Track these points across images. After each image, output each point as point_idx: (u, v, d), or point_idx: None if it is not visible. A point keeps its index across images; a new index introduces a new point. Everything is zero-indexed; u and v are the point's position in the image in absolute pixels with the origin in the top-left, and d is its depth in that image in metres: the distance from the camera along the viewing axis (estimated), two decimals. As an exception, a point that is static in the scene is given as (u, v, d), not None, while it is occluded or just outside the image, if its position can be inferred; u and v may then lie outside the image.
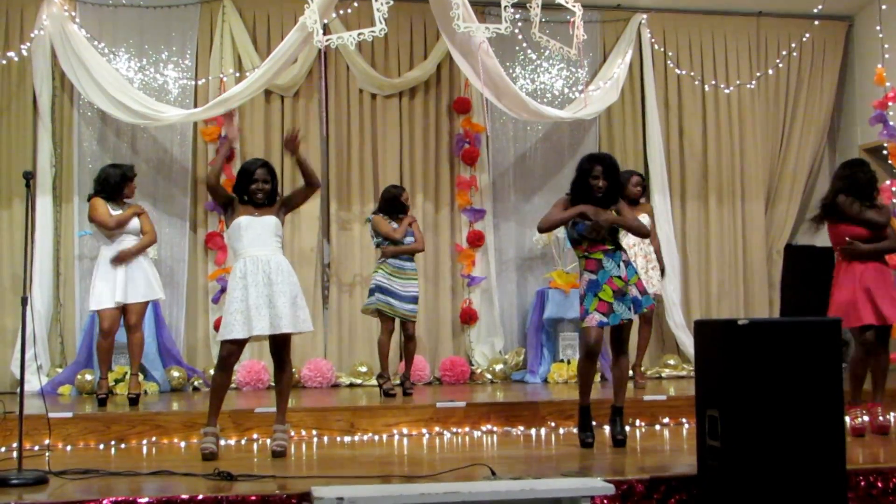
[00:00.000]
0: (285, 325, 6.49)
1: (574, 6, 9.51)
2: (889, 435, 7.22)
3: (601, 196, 6.78)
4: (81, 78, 9.87)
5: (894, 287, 7.39)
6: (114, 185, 8.44)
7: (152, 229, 8.61)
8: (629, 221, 6.91)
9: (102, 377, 8.37)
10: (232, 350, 6.50)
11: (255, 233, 6.55)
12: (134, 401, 8.30)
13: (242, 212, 6.62)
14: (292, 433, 7.23)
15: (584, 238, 6.74)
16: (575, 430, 7.29)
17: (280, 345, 6.62)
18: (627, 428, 7.78)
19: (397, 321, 9.05)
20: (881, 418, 7.32)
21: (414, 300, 9.06)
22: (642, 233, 7.03)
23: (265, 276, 6.48)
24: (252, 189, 6.60)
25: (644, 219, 9.14)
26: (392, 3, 8.89)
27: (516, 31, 9.50)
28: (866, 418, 7.32)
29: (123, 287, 8.24)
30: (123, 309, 8.33)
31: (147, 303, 8.46)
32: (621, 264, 6.77)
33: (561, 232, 10.66)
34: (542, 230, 7.06)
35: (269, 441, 6.81)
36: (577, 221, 6.75)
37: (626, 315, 6.74)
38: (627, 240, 8.89)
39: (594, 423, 7.00)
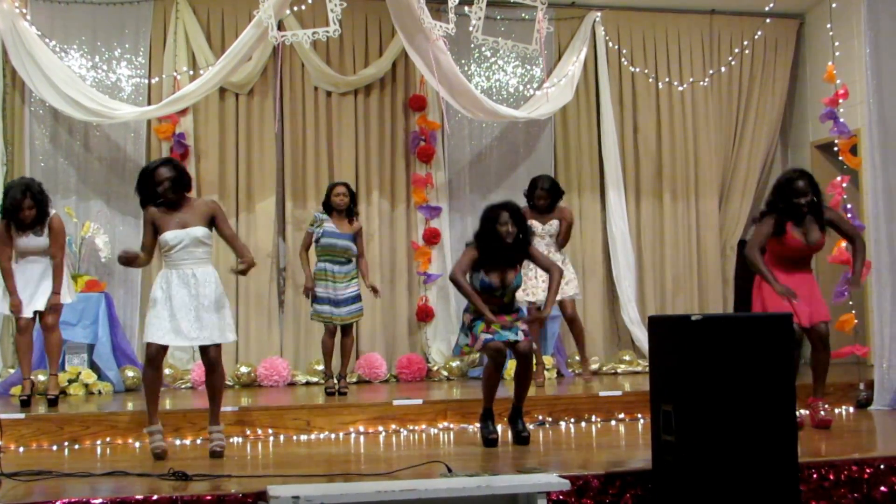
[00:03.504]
0: (208, 336, 6.50)
1: (535, 1, 9.54)
2: (830, 429, 7.31)
3: (511, 242, 6.82)
4: (33, 75, 9.76)
5: (819, 292, 7.47)
6: (10, 206, 8.11)
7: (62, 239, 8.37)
8: (551, 302, 7.12)
9: (25, 377, 8.25)
10: (158, 350, 6.49)
11: (181, 246, 6.51)
12: (53, 402, 8.14)
13: (166, 223, 6.55)
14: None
15: (487, 291, 6.81)
16: (531, 427, 7.34)
17: (208, 351, 6.56)
18: (583, 424, 7.88)
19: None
20: (822, 413, 7.40)
21: (352, 300, 9.05)
22: (559, 276, 7.13)
23: (191, 287, 6.48)
24: (161, 192, 6.55)
25: (552, 225, 9.24)
26: (346, 4, 8.88)
27: (472, 28, 9.51)
28: (822, 413, 7.41)
29: (33, 297, 8.14)
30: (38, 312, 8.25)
31: (61, 305, 8.33)
32: (509, 314, 6.90)
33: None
34: (452, 282, 7.03)
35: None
36: (482, 276, 6.82)
37: (512, 337, 6.77)
38: (540, 248, 9.03)
39: (539, 419, 7.02)
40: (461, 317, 7.14)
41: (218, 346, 6.56)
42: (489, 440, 6.84)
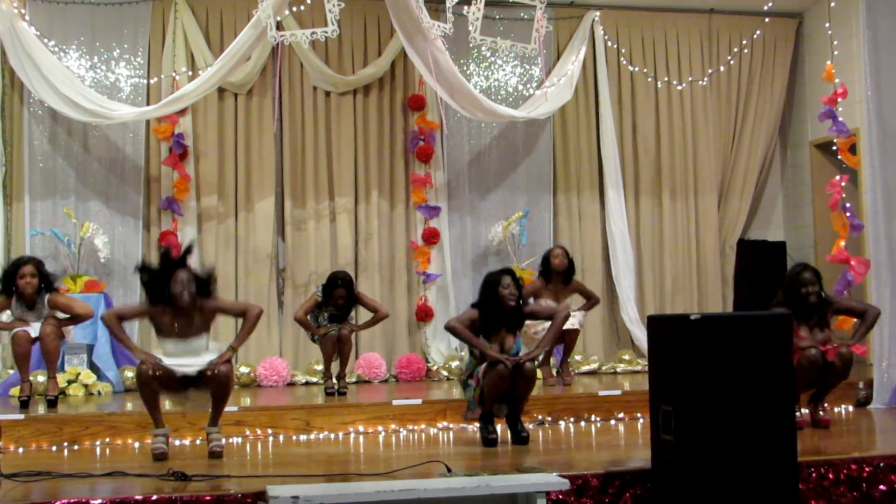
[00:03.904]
0: (208, 361, 6.48)
1: (533, 1, 9.55)
2: (830, 428, 7.30)
3: (513, 305, 6.85)
4: (32, 76, 9.76)
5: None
6: (11, 269, 8.13)
7: (80, 306, 8.33)
8: (548, 341, 7.23)
9: (24, 380, 8.23)
10: (152, 374, 6.39)
11: (179, 356, 6.49)
12: (52, 402, 8.13)
13: (167, 329, 6.50)
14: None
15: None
16: (531, 426, 7.33)
17: (217, 370, 6.47)
18: (583, 423, 7.88)
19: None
20: (822, 412, 7.40)
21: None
22: (563, 321, 7.15)
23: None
24: (175, 293, 6.42)
25: (573, 299, 9.32)
26: (343, 5, 8.89)
27: (470, 27, 9.50)
28: (821, 412, 7.41)
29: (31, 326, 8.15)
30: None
31: (59, 326, 8.27)
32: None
33: (516, 229, 10.75)
34: (447, 329, 7.03)
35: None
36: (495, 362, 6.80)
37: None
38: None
39: (538, 419, 7.01)
40: (462, 382, 7.11)
41: (227, 362, 6.53)
42: (489, 440, 6.83)
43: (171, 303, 6.47)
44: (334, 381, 9.10)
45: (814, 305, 7.33)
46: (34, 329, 8.08)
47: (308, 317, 9.03)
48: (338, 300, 8.91)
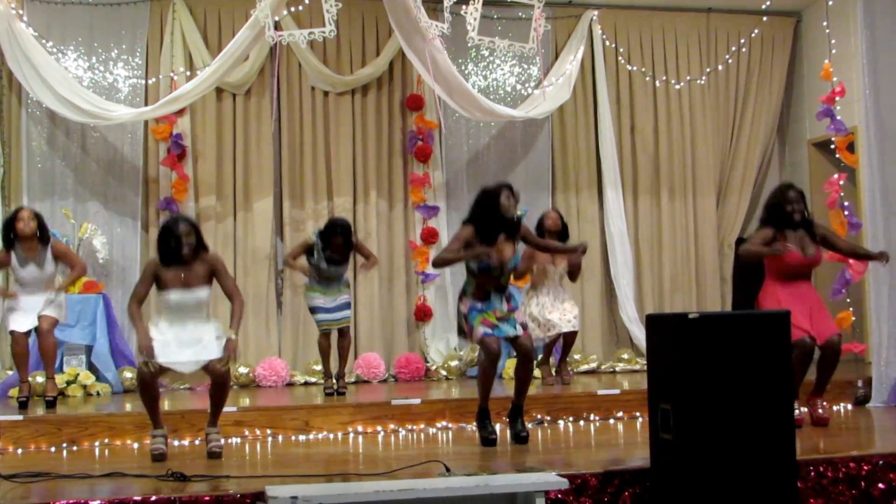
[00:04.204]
0: (207, 354, 6.52)
1: (532, 0, 9.56)
2: (828, 426, 7.30)
3: (514, 214, 6.90)
4: (29, 77, 9.75)
5: (824, 305, 7.45)
6: (10, 216, 8.22)
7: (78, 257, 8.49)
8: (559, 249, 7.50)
9: (22, 380, 8.25)
10: (152, 375, 6.43)
11: (184, 307, 6.58)
12: (51, 403, 8.15)
13: (171, 280, 6.58)
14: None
15: (484, 272, 6.77)
16: (530, 426, 7.33)
17: (214, 366, 6.52)
18: (582, 422, 7.87)
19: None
20: (820, 410, 7.40)
21: (345, 307, 9.09)
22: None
23: (187, 334, 6.55)
24: (174, 247, 6.55)
25: (563, 266, 9.23)
26: (341, 5, 8.90)
27: (469, 27, 9.50)
28: (820, 410, 7.40)
29: (36, 314, 8.14)
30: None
31: (56, 319, 8.30)
32: (503, 300, 6.86)
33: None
34: (436, 266, 7.12)
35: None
36: (480, 259, 6.77)
37: (511, 332, 6.78)
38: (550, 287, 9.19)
39: (537, 418, 7.00)
40: (457, 305, 7.06)
41: (225, 359, 6.56)
42: (488, 440, 6.82)
43: (172, 253, 6.57)
44: (333, 381, 9.11)
45: (798, 225, 7.30)
46: (30, 319, 8.07)
47: (304, 260, 9.06)
48: (336, 247, 8.93)
